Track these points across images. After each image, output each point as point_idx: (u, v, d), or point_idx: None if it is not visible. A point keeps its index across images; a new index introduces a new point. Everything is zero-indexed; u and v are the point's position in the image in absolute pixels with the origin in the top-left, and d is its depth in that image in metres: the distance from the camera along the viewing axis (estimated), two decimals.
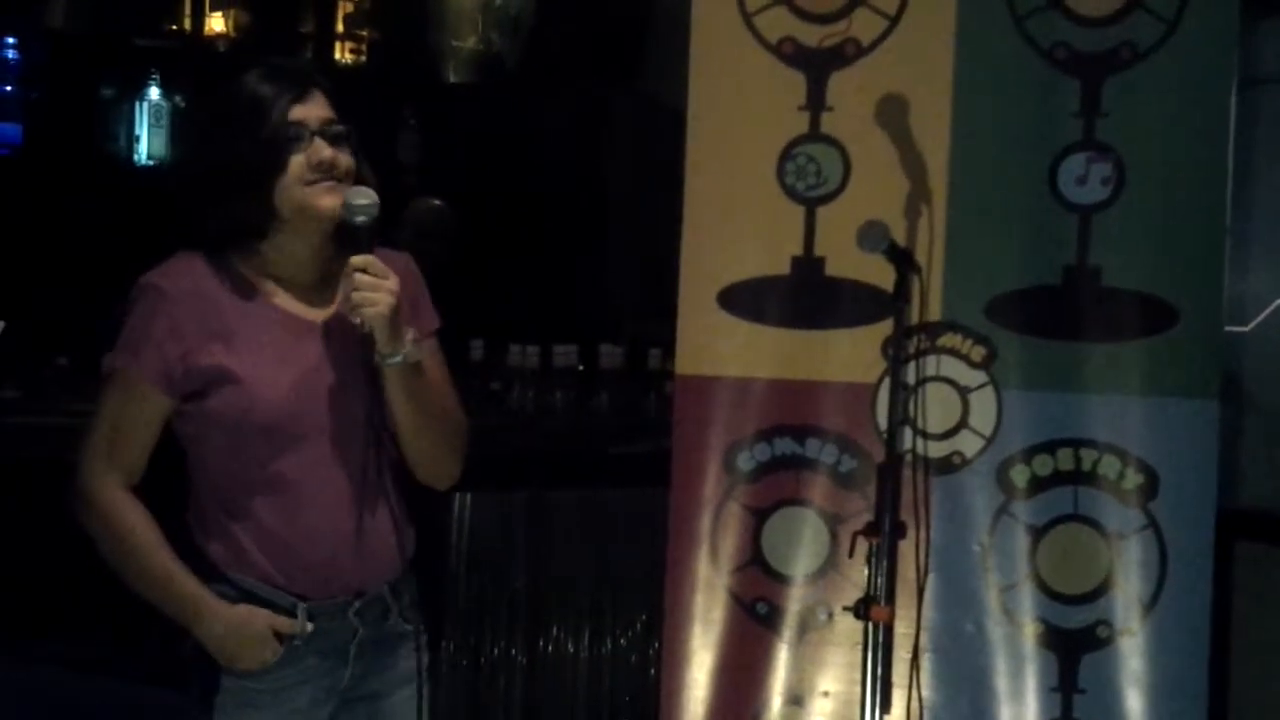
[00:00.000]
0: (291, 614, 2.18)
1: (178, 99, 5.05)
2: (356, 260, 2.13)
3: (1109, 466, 2.79)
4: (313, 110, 2.16)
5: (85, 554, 2.24)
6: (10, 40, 4.81)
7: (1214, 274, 2.78)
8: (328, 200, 2.15)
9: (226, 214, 2.16)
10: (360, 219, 2.14)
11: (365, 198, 2.14)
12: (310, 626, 2.17)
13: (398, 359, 2.14)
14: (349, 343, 2.17)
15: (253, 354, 2.16)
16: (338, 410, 2.17)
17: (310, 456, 2.17)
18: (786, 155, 2.88)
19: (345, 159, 2.17)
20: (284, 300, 2.20)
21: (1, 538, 3.46)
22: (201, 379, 2.15)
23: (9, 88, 4.82)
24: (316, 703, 2.22)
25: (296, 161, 2.14)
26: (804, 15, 2.87)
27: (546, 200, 5.40)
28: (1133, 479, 2.78)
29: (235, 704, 2.19)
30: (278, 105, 2.14)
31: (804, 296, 2.88)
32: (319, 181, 2.15)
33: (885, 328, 2.65)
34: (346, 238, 2.16)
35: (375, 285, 2.11)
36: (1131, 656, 2.78)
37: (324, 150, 2.15)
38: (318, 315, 2.21)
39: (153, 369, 2.15)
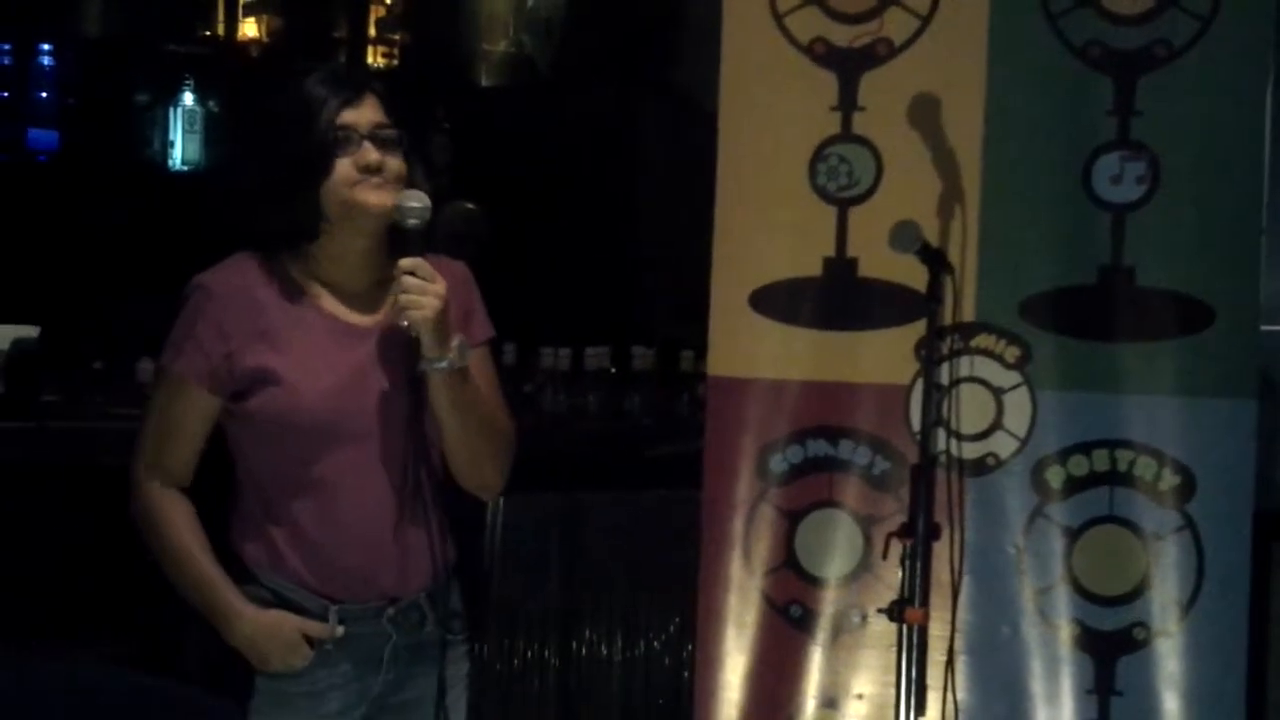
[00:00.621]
0: (323, 617, 2.18)
1: (211, 104, 5.08)
2: (405, 263, 2.13)
3: (1145, 467, 2.77)
4: (364, 114, 2.17)
5: (124, 553, 2.26)
6: (46, 47, 4.85)
7: (1250, 273, 2.75)
8: (374, 197, 2.15)
9: (275, 215, 2.17)
10: (412, 222, 2.15)
11: (417, 200, 2.15)
12: (341, 630, 2.18)
13: (443, 364, 2.14)
14: (396, 349, 2.18)
15: (296, 356, 2.17)
16: (380, 415, 2.18)
17: (350, 460, 2.17)
18: (818, 156, 2.87)
19: (395, 163, 2.17)
20: (332, 304, 2.21)
21: (43, 539, 3.49)
22: (245, 379, 2.16)
23: (45, 94, 4.86)
24: (349, 707, 2.22)
25: (344, 164, 2.15)
26: (835, 15, 2.86)
27: (578, 202, 5.41)
28: (1169, 480, 2.76)
29: (270, 705, 2.19)
30: (327, 108, 2.15)
31: (836, 298, 2.87)
32: (364, 182, 2.15)
33: (918, 329, 2.64)
34: (397, 241, 2.17)
35: (423, 288, 2.12)
36: (1169, 658, 2.76)
37: (371, 154, 2.15)
38: (366, 320, 2.22)
39: (197, 368, 2.17)
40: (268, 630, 2.16)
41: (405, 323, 2.13)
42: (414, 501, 2.19)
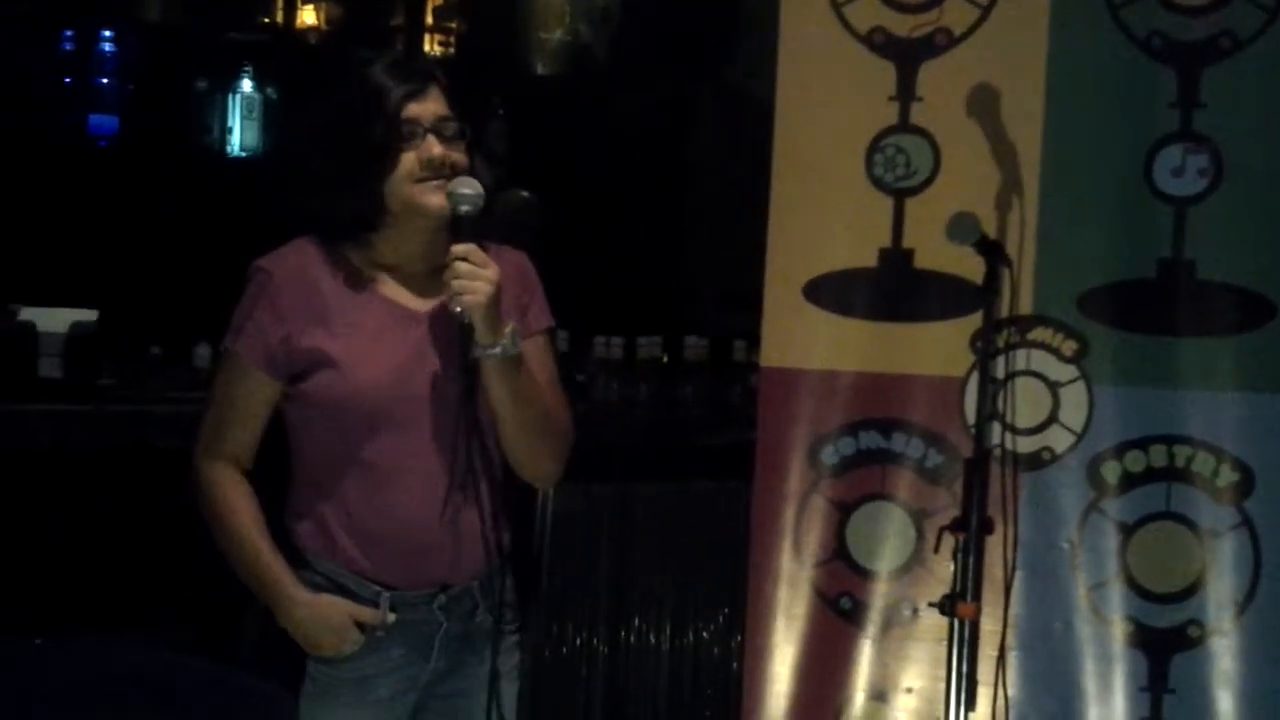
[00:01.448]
0: (374, 603, 2.19)
1: (270, 91, 5.10)
2: (457, 249, 2.14)
3: (1203, 463, 2.74)
4: (428, 107, 2.18)
5: (181, 537, 2.28)
6: (107, 34, 4.89)
7: None
8: (435, 199, 2.17)
9: (338, 206, 2.18)
10: (464, 209, 2.16)
11: (469, 188, 2.16)
12: (392, 617, 2.19)
13: (496, 350, 2.15)
14: (451, 333, 2.19)
15: (352, 339, 2.18)
16: (435, 400, 2.19)
17: (403, 444, 2.18)
18: (875, 146, 2.86)
19: (457, 156, 2.18)
20: (390, 289, 2.22)
21: (98, 522, 3.52)
22: (301, 361, 2.18)
23: (105, 80, 4.90)
24: (399, 694, 2.23)
25: (408, 158, 2.16)
26: (894, 5, 2.85)
27: (633, 191, 5.41)
28: (1227, 476, 2.73)
29: (320, 691, 2.21)
30: (392, 101, 2.15)
31: (892, 289, 2.85)
32: (429, 180, 2.16)
33: (974, 321, 2.62)
34: (451, 228, 2.18)
35: (475, 274, 2.13)
36: (1223, 657, 2.73)
37: (435, 148, 2.16)
38: (423, 306, 2.23)
39: (255, 350, 2.19)
40: (319, 615, 2.17)
41: (457, 308, 2.13)
42: (466, 487, 2.20)
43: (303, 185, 2.21)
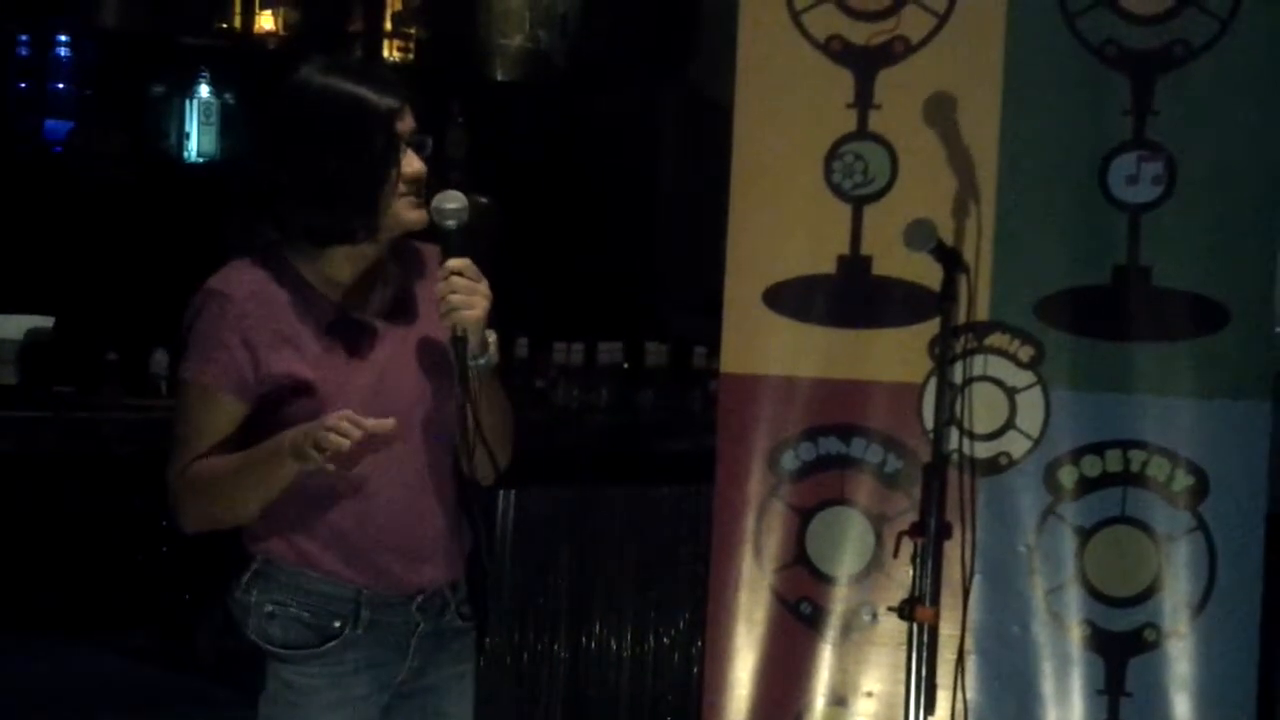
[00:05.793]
0: (353, 603, 2.18)
1: (227, 97, 5.09)
2: (453, 263, 2.14)
3: (1158, 468, 2.76)
4: (407, 123, 2.18)
5: (137, 544, 2.26)
6: (62, 39, 4.86)
7: (1266, 274, 2.75)
8: (416, 214, 2.18)
9: (330, 221, 2.16)
10: (451, 223, 2.15)
11: (455, 202, 2.16)
12: (391, 423, 2.09)
13: (482, 361, 2.16)
14: (415, 345, 2.20)
15: (323, 361, 2.17)
16: (409, 412, 2.18)
17: (382, 457, 2.17)
18: (834, 153, 2.87)
19: (425, 170, 2.19)
20: (348, 305, 2.21)
21: (58, 529, 3.50)
22: (272, 384, 2.15)
23: (61, 85, 4.87)
24: (374, 692, 2.23)
25: (395, 174, 2.16)
26: (852, 13, 2.86)
27: (593, 197, 5.42)
28: (1182, 480, 2.76)
29: (296, 695, 2.19)
30: (384, 116, 2.15)
31: (850, 295, 2.87)
32: (408, 195, 2.16)
33: (932, 327, 2.64)
34: (439, 243, 2.17)
35: (471, 288, 2.13)
36: (1179, 660, 2.76)
37: (415, 162, 2.17)
38: (379, 320, 2.22)
39: (225, 376, 2.15)
40: (317, 423, 2.08)
41: (453, 323, 2.13)
42: (442, 492, 2.22)
43: (288, 196, 2.18)
